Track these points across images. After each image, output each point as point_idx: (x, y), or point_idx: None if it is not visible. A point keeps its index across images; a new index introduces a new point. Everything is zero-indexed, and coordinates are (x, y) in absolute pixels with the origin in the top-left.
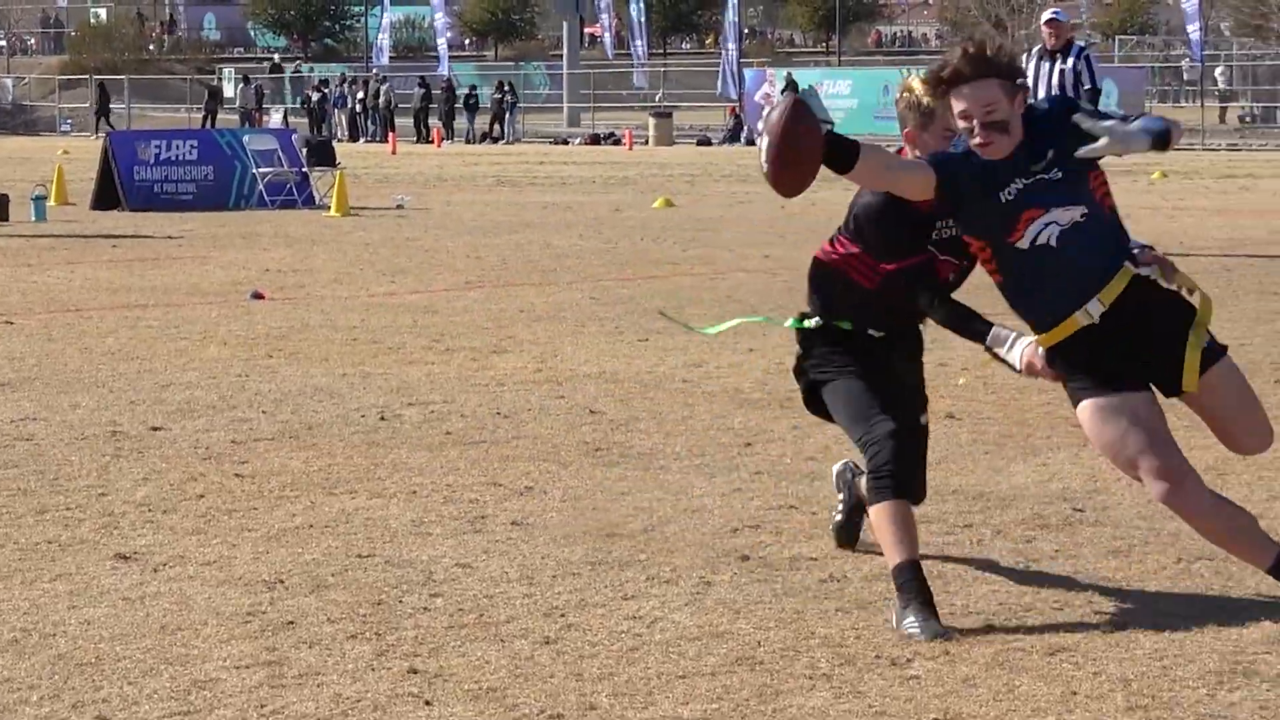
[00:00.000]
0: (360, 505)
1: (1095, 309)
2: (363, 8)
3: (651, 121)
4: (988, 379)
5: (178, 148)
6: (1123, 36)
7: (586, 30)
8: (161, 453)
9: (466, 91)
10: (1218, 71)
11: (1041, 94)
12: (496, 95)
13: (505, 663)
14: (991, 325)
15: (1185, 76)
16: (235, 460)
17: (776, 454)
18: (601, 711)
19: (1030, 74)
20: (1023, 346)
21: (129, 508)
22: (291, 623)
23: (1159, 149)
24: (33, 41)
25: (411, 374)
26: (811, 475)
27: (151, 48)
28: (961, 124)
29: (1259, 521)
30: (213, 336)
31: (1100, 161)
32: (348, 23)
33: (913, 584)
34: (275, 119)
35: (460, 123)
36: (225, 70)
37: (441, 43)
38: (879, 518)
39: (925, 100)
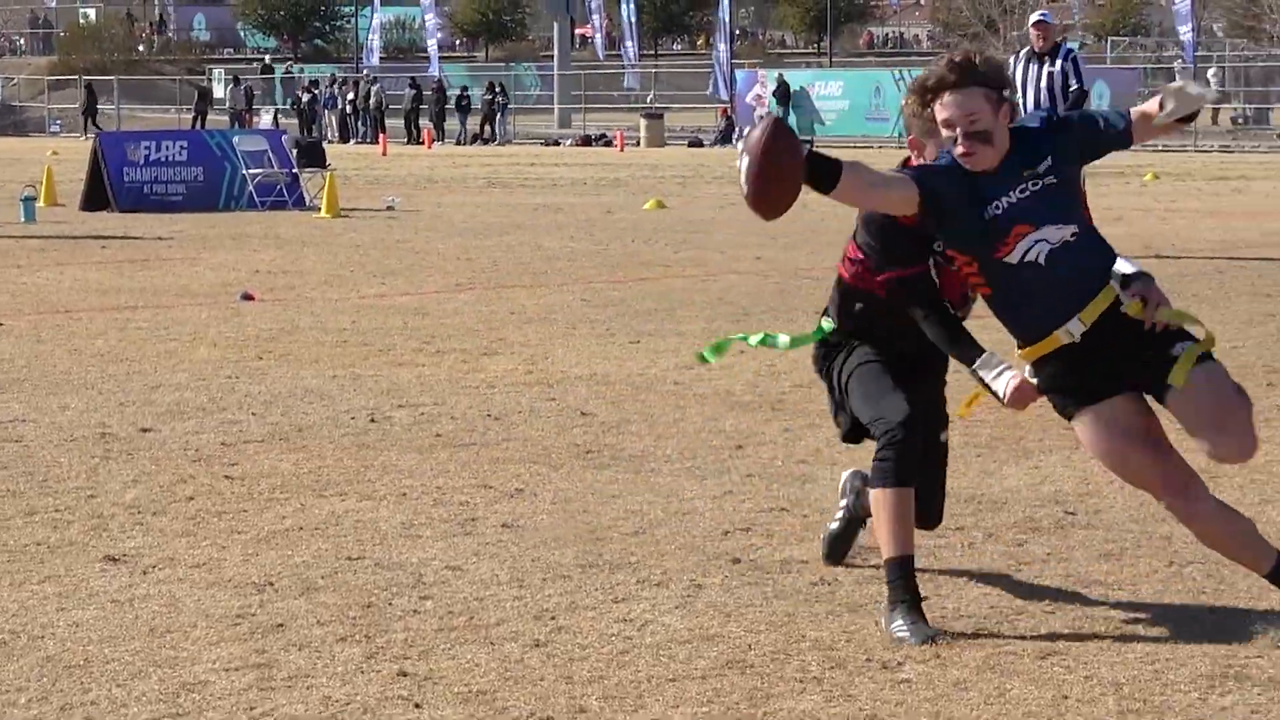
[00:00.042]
0: (350, 507)
1: (1076, 328)
2: (353, 8)
3: (643, 123)
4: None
5: (167, 149)
6: (1115, 38)
7: (577, 31)
8: (151, 455)
9: (458, 93)
10: (1210, 73)
11: (1030, 95)
12: (487, 96)
13: (495, 665)
14: (983, 350)
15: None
16: (225, 462)
17: (768, 457)
18: (591, 714)
19: (1018, 76)
20: (1009, 377)
21: (118, 510)
22: (281, 625)
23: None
24: (22, 42)
25: (402, 376)
26: (803, 478)
27: (141, 48)
28: (945, 133)
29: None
30: (202, 338)
31: (1097, 162)
32: (338, 23)
33: (901, 583)
34: (265, 120)
35: (451, 124)
36: (215, 71)
37: (432, 43)
38: (878, 504)
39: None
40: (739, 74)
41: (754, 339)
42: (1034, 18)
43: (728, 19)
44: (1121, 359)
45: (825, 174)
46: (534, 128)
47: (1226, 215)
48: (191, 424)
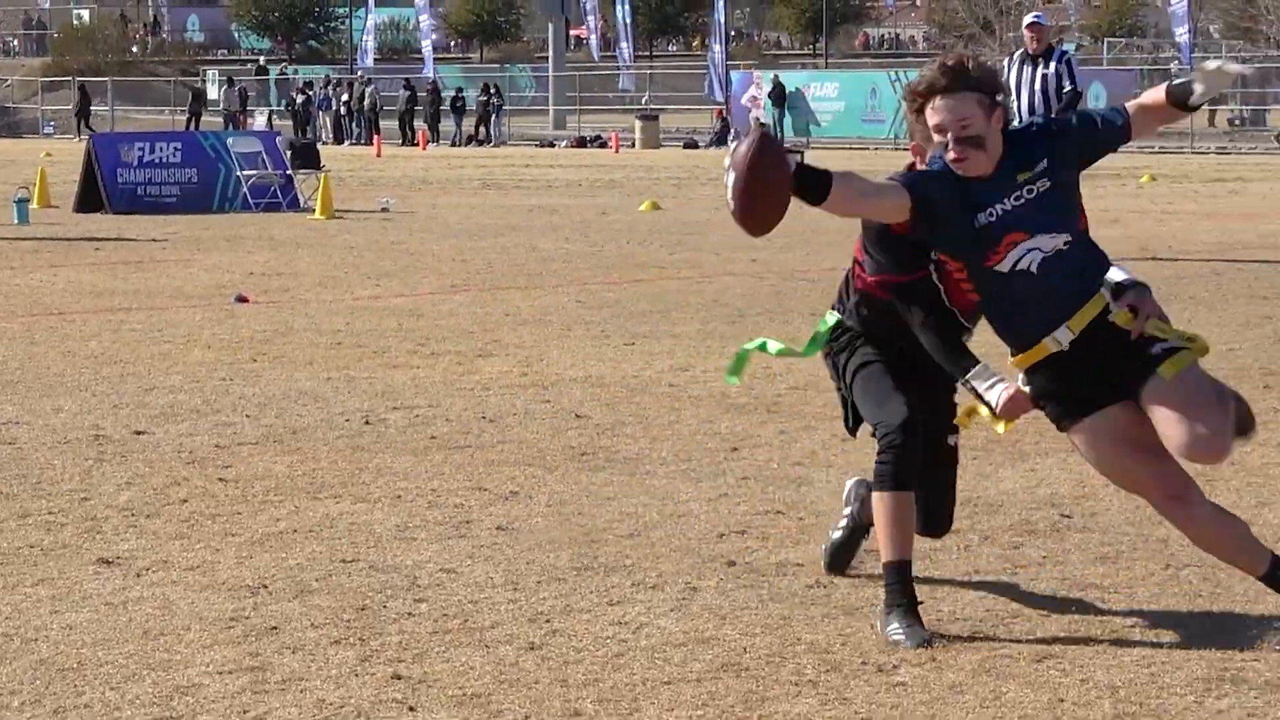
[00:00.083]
0: (344, 510)
1: (1064, 336)
2: (347, 9)
3: (638, 124)
4: None
5: (161, 150)
6: (1111, 39)
7: (572, 32)
8: (145, 457)
9: (453, 94)
10: None
11: (1024, 98)
12: (482, 98)
13: (489, 669)
14: (978, 361)
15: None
16: (219, 465)
17: (763, 459)
18: (586, 718)
19: (1012, 78)
20: (1002, 389)
21: (112, 512)
22: (275, 628)
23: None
24: (15, 43)
25: (396, 378)
26: (798, 481)
27: (135, 50)
28: (936, 138)
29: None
30: (196, 340)
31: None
32: (332, 24)
33: (898, 586)
34: (259, 121)
35: (446, 125)
36: (209, 72)
37: (426, 45)
38: (878, 507)
39: None
40: (734, 75)
41: (774, 347)
42: (1028, 19)
43: (723, 20)
44: (1110, 366)
45: (814, 185)
46: (529, 129)
47: (1223, 217)
48: (185, 426)
